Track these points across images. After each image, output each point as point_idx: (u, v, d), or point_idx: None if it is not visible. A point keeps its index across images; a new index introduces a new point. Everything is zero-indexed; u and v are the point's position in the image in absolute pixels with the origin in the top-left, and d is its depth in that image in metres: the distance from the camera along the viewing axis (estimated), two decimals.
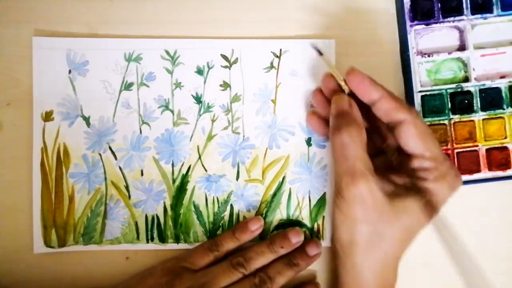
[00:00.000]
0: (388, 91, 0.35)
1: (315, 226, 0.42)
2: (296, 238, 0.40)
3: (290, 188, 0.42)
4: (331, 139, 0.36)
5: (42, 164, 0.41)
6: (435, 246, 0.43)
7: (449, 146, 0.42)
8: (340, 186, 0.35)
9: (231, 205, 0.42)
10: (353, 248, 0.36)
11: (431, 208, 0.35)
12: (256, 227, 0.40)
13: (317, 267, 0.42)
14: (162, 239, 0.41)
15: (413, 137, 0.35)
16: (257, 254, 0.39)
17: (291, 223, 0.42)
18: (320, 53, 0.39)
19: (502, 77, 0.42)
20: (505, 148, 0.42)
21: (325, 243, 0.42)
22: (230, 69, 0.42)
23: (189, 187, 0.42)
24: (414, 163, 0.35)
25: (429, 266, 0.43)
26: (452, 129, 0.42)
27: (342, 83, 0.37)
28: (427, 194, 0.35)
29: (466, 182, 0.42)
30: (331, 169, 0.42)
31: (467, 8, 0.42)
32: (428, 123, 0.42)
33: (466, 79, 0.42)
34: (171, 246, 0.41)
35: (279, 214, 0.42)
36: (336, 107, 0.36)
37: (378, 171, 0.35)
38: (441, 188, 0.35)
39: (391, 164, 0.37)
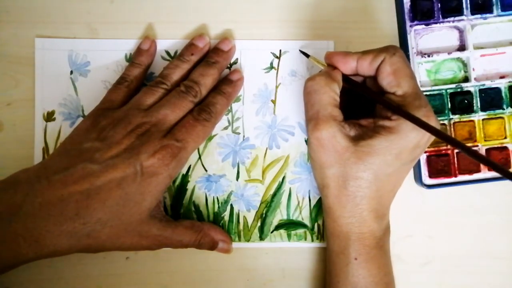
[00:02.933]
0: (362, 52, 0.37)
1: (315, 226, 0.42)
2: (200, 42, 0.41)
3: (290, 188, 0.42)
4: (303, 88, 0.38)
5: None
6: (435, 246, 0.43)
7: (449, 146, 0.42)
8: (307, 132, 0.37)
9: (231, 205, 0.42)
10: (325, 190, 0.37)
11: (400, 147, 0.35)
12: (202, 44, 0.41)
13: (318, 267, 0.42)
14: None
15: (388, 75, 0.36)
16: (171, 69, 0.40)
17: (291, 223, 0.42)
18: (307, 55, 0.40)
19: (502, 77, 0.42)
20: (505, 148, 0.42)
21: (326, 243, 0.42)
22: (230, 69, 0.42)
23: (189, 187, 0.42)
24: (377, 96, 0.37)
25: (429, 266, 0.43)
26: (452, 129, 0.42)
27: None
28: (392, 132, 0.35)
29: (466, 182, 0.42)
30: None
31: (467, 8, 0.42)
32: None
33: (466, 79, 0.42)
34: None
35: (279, 214, 0.42)
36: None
37: (349, 120, 0.37)
38: (406, 126, 0.35)
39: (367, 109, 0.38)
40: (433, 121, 0.35)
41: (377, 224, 0.37)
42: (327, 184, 0.37)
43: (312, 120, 0.36)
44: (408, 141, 0.35)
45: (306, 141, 0.42)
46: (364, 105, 0.39)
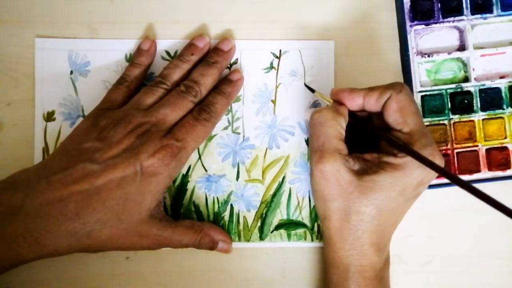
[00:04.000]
0: (367, 88, 0.37)
1: (315, 226, 0.42)
2: (200, 42, 0.41)
3: (290, 188, 0.42)
4: (310, 119, 0.38)
5: None
6: (435, 246, 0.43)
7: (449, 146, 0.42)
8: (311, 164, 0.37)
9: (231, 205, 0.42)
10: (327, 222, 0.37)
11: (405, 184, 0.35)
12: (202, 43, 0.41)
13: (318, 267, 0.42)
14: None
15: (394, 113, 0.36)
16: (171, 69, 0.40)
17: (291, 223, 0.42)
18: (312, 91, 0.41)
19: (502, 77, 0.42)
20: (505, 148, 0.42)
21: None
22: (230, 69, 0.42)
23: (189, 187, 0.42)
24: (384, 133, 0.37)
25: (429, 266, 0.43)
26: (452, 129, 0.42)
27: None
28: (397, 169, 0.35)
29: None
30: None
31: (467, 8, 0.42)
32: (428, 123, 0.42)
33: (466, 79, 0.42)
34: None
35: (279, 214, 0.42)
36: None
37: (354, 153, 0.37)
38: (411, 164, 0.35)
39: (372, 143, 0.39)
40: (438, 160, 0.35)
41: (378, 257, 0.37)
42: (329, 216, 0.37)
43: (317, 152, 0.36)
44: (412, 179, 0.35)
45: (306, 141, 0.42)
46: (368, 138, 0.39)
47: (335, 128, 0.36)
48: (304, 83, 0.42)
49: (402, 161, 0.35)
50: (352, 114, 0.38)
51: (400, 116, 0.36)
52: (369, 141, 0.39)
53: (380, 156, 0.36)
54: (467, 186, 0.33)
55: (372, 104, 0.37)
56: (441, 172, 0.34)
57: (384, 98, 0.36)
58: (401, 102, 0.36)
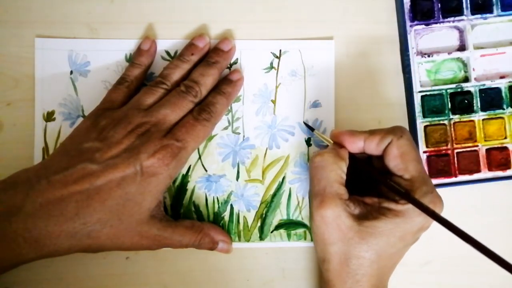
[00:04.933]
0: (368, 131, 0.37)
1: (321, 268, 0.42)
2: (200, 42, 0.41)
3: (290, 188, 0.42)
4: (310, 162, 0.38)
5: None
6: (435, 246, 0.43)
7: (449, 146, 0.42)
8: (311, 207, 0.37)
9: (231, 205, 0.42)
10: (326, 264, 0.37)
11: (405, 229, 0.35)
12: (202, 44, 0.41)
13: (318, 267, 0.42)
14: None
15: (395, 158, 0.36)
16: (171, 69, 0.40)
17: (291, 223, 0.42)
18: (312, 129, 0.41)
19: (502, 77, 0.42)
20: (505, 148, 0.42)
21: None
22: (230, 69, 0.42)
23: (189, 187, 0.42)
24: (385, 179, 0.37)
25: (429, 266, 0.43)
26: (452, 129, 0.42)
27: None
28: (398, 216, 0.35)
29: (466, 182, 0.42)
30: None
31: (467, 8, 0.42)
32: (428, 123, 0.42)
33: (466, 79, 0.42)
34: None
35: (279, 214, 0.42)
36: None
37: (356, 195, 0.37)
38: (413, 211, 0.35)
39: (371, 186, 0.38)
40: (439, 206, 0.36)
41: None
42: (328, 259, 0.36)
43: (317, 196, 0.36)
44: (413, 225, 0.35)
45: (306, 141, 0.42)
46: (368, 179, 0.39)
47: (336, 173, 0.36)
48: (304, 122, 0.42)
49: (403, 208, 0.35)
50: (353, 157, 0.38)
51: (401, 162, 0.36)
52: (369, 181, 0.39)
53: (380, 201, 0.36)
54: (471, 240, 0.34)
55: (373, 148, 0.37)
56: (443, 222, 0.34)
57: (385, 143, 0.36)
58: (402, 148, 0.36)
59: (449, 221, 0.34)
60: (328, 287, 0.37)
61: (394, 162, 0.36)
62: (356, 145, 0.37)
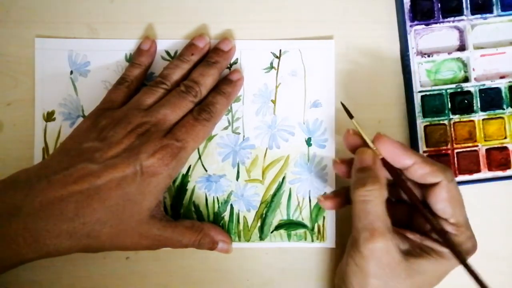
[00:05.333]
0: (421, 156, 0.36)
1: (316, 226, 0.42)
2: (200, 42, 0.41)
3: (290, 188, 0.42)
4: (352, 193, 0.35)
5: None
6: None
7: (449, 146, 0.42)
8: (358, 240, 0.35)
9: (231, 205, 0.42)
10: None
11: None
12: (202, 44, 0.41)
13: (318, 267, 0.42)
14: None
15: (444, 201, 0.35)
16: (171, 69, 0.40)
17: (291, 223, 0.42)
18: (351, 116, 0.38)
19: (502, 77, 0.42)
20: (505, 148, 0.42)
21: (327, 243, 0.42)
22: (230, 69, 0.42)
23: (189, 187, 0.42)
24: (437, 225, 0.36)
25: None
26: (452, 129, 0.42)
27: (374, 149, 0.36)
28: (443, 257, 0.36)
29: (466, 182, 0.42)
30: (331, 169, 0.42)
31: (467, 8, 0.42)
32: (428, 123, 0.42)
33: (466, 79, 0.42)
34: None
35: (279, 214, 0.42)
36: (359, 161, 0.36)
37: (394, 225, 0.36)
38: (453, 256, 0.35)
39: (406, 219, 0.39)
40: (475, 250, 0.37)
41: None
42: None
43: (365, 230, 0.34)
44: (453, 266, 0.36)
45: (306, 141, 0.42)
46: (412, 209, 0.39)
47: (383, 205, 0.35)
48: (341, 102, 0.39)
49: (446, 249, 0.36)
50: (400, 183, 0.36)
51: (450, 207, 0.35)
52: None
53: (422, 238, 0.36)
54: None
55: (419, 175, 0.36)
56: (473, 276, 0.34)
57: (434, 179, 0.35)
58: (451, 192, 0.35)
59: (477, 273, 0.34)
60: None
61: (441, 205, 0.35)
62: (402, 162, 0.36)
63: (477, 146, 0.42)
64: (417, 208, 0.36)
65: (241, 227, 0.42)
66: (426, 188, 0.36)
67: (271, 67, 0.42)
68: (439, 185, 0.35)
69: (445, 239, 0.35)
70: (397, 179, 0.37)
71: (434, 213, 0.36)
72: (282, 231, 0.42)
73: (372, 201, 0.34)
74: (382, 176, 0.35)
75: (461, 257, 0.35)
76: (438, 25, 0.42)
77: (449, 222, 0.36)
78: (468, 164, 0.42)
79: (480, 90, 0.42)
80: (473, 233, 0.37)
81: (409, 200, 0.37)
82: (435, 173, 0.35)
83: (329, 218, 0.42)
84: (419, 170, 0.35)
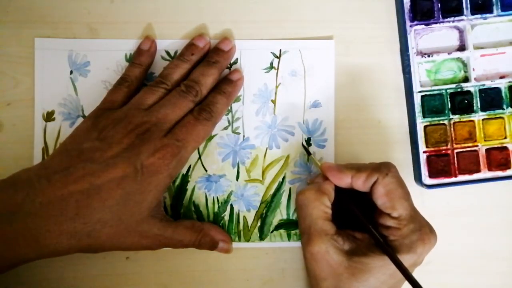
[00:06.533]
0: (357, 167, 0.37)
1: None
2: (200, 42, 0.41)
3: (290, 188, 0.42)
4: (296, 198, 0.38)
5: None
6: (435, 246, 0.43)
7: (449, 146, 0.42)
8: (301, 243, 0.37)
9: (231, 205, 0.42)
10: None
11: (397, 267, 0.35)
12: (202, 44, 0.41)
13: None
14: None
15: (382, 197, 0.36)
16: (171, 69, 0.40)
17: (291, 223, 0.42)
18: (309, 153, 0.42)
19: (502, 77, 0.42)
20: (505, 148, 0.42)
21: None
22: (230, 69, 0.42)
23: (189, 187, 0.42)
24: (378, 219, 0.37)
25: (429, 266, 0.43)
26: (452, 129, 0.42)
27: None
28: (389, 251, 0.35)
29: (466, 182, 0.42)
30: None
31: (467, 8, 0.42)
32: (428, 123, 0.42)
33: (466, 79, 0.42)
34: None
35: (279, 214, 0.42)
36: (311, 179, 0.40)
37: (346, 231, 0.37)
38: (402, 248, 0.35)
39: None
40: (428, 243, 0.36)
41: None
42: None
43: (304, 234, 0.37)
44: (403, 262, 0.35)
45: (306, 141, 0.42)
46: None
47: (319, 209, 0.36)
48: (302, 144, 0.42)
49: (392, 244, 0.36)
50: (339, 192, 0.38)
51: (388, 201, 0.36)
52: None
53: (371, 237, 0.36)
54: None
55: (360, 185, 0.37)
56: (410, 281, 0.33)
57: (371, 181, 0.36)
58: (387, 186, 0.36)
59: (415, 279, 0.33)
60: None
61: (381, 201, 0.36)
62: (343, 181, 0.37)
63: (477, 146, 0.42)
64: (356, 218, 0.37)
65: (241, 227, 0.42)
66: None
67: (271, 67, 0.42)
68: (376, 183, 0.36)
69: (372, 235, 0.36)
70: (343, 200, 0.38)
71: (381, 212, 0.37)
72: (282, 231, 0.42)
73: (308, 205, 0.36)
74: (326, 189, 0.37)
75: (392, 255, 0.34)
76: (438, 25, 0.42)
77: (392, 216, 0.36)
78: (468, 164, 0.42)
79: (480, 90, 0.42)
80: (424, 226, 0.36)
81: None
82: (371, 175, 0.36)
83: None
84: (358, 181, 0.37)
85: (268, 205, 0.42)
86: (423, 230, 0.36)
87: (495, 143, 0.42)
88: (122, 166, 0.35)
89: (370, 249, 0.36)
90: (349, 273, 0.35)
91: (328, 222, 0.36)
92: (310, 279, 0.38)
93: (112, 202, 0.35)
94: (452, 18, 0.42)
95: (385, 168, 0.37)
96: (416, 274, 0.43)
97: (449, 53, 0.42)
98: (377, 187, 0.36)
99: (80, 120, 0.42)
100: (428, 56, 0.42)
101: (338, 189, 0.38)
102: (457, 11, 0.42)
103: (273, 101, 0.42)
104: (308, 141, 0.42)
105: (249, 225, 0.42)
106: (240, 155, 0.42)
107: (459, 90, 0.42)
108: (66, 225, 0.34)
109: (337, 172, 0.37)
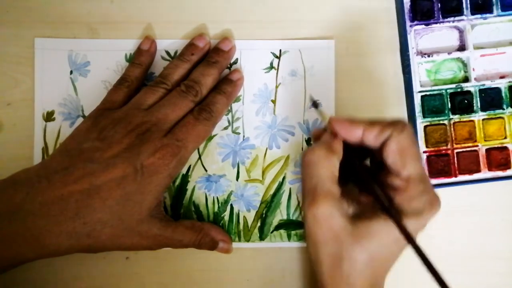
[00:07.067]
0: (369, 122, 0.35)
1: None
2: (200, 42, 0.41)
3: (290, 188, 0.42)
4: (302, 157, 0.36)
5: None
6: (435, 246, 0.43)
7: (449, 146, 0.42)
8: (303, 206, 0.35)
9: (231, 205, 0.42)
10: (318, 267, 0.35)
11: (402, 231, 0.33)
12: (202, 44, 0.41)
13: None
14: None
15: (393, 154, 0.34)
16: (171, 69, 0.40)
17: (291, 223, 0.42)
18: (316, 106, 0.39)
19: (502, 77, 0.42)
20: (505, 148, 0.42)
21: None
22: (230, 69, 0.42)
23: (189, 187, 0.42)
24: (386, 178, 0.35)
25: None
26: (452, 129, 0.42)
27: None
28: (394, 215, 0.34)
29: (466, 182, 0.42)
30: None
31: (467, 8, 0.42)
32: (428, 123, 0.42)
33: (466, 79, 0.42)
34: None
35: (279, 214, 0.42)
36: (316, 132, 0.38)
37: (351, 194, 0.36)
38: (409, 212, 0.34)
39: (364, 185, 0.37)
40: (436, 207, 0.34)
41: None
42: (321, 261, 0.35)
43: (309, 195, 0.34)
44: (407, 227, 0.33)
45: (306, 141, 0.42)
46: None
47: (328, 169, 0.34)
48: (310, 97, 0.42)
49: (398, 207, 0.34)
50: (346, 151, 0.36)
51: (400, 159, 0.34)
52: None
53: (376, 200, 0.35)
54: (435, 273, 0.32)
55: (371, 139, 0.35)
56: (415, 247, 0.32)
57: (384, 136, 0.34)
58: (401, 144, 0.34)
59: (420, 247, 0.32)
60: None
61: (392, 158, 0.34)
62: (353, 135, 0.35)
63: (477, 146, 0.42)
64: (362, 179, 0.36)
65: (241, 227, 0.42)
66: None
67: (271, 67, 0.42)
68: (389, 138, 0.34)
69: (376, 197, 0.34)
70: (349, 157, 0.36)
71: (390, 171, 0.35)
72: (282, 231, 0.42)
73: (317, 163, 0.34)
74: (335, 147, 0.35)
75: (395, 217, 0.33)
76: (438, 25, 0.42)
77: (401, 176, 0.34)
78: (468, 164, 0.42)
79: (480, 90, 0.42)
80: (432, 189, 0.35)
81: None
82: (385, 129, 0.34)
83: None
84: (370, 135, 0.35)
85: (268, 205, 0.42)
86: (431, 193, 0.34)
87: (495, 143, 0.42)
88: (122, 166, 0.35)
89: (375, 213, 0.34)
90: (352, 239, 0.34)
91: (336, 185, 0.34)
92: (309, 245, 0.36)
93: (112, 202, 0.35)
94: (452, 18, 0.42)
95: (400, 124, 0.34)
96: (416, 274, 0.43)
97: (449, 53, 0.42)
98: (390, 144, 0.34)
99: (80, 120, 0.42)
100: (428, 56, 0.42)
101: (345, 152, 0.36)
102: (457, 11, 0.42)
103: (273, 101, 0.42)
104: (308, 141, 0.42)
105: (249, 225, 0.42)
106: (240, 155, 0.42)
107: (459, 90, 0.42)
108: (66, 225, 0.34)
109: (348, 125, 0.35)
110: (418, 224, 0.34)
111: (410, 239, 0.32)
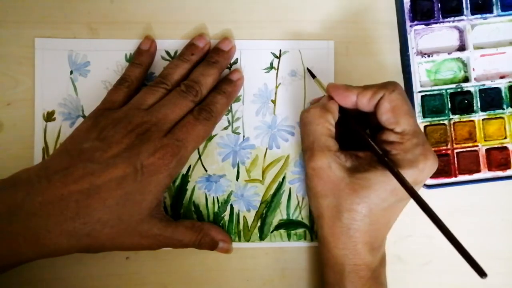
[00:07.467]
0: (363, 86, 0.37)
1: (316, 226, 0.42)
2: (200, 42, 0.41)
3: (290, 188, 0.42)
4: (300, 117, 0.38)
5: None
6: (435, 246, 0.43)
7: (449, 146, 0.42)
8: (304, 163, 0.37)
9: (231, 205, 0.42)
10: (320, 220, 0.37)
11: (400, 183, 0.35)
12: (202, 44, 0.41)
13: (318, 267, 0.42)
14: None
15: (387, 112, 0.36)
16: (171, 69, 0.40)
17: (291, 223, 0.42)
18: (313, 76, 0.41)
19: (502, 77, 0.42)
20: (505, 148, 0.42)
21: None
22: (230, 69, 0.42)
23: (189, 187, 0.42)
24: (381, 136, 0.37)
25: (429, 266, 0.43)
26: (452, 129, 0.42)
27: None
28: (389, 163, 0.35)
29: (466, 182, 0.42)
30: None
31: (467, 8, 0.42)
32: (428, 123, 0.42)
33: (466, 79, 0.42)
34: None
35: (279, 214, 0.42)
36: (315, 100, 0.40)
37: (347, 150, 0.37)
38: (405, 163, 0.35)
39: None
40: (431, 160, 0.35)
41: (372, 256, 0.37)
42: (322, 214, 0.37)
43: (308, 150, 0.37)
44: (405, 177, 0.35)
45: None
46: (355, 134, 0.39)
47: (323, 126, 0.36)
48: (307, 67, 0.42)
49: (394, 159, 0.35)
50: (342, 111, 0.38)
51: (393, 116, 0.36)
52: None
53: (373, 154, 0.36)
54: (441, 225, 0.34)
55: (365, 103, 0.37)
56: (411, 192, 0.34)
57: (377, 97, 0.36)
58: (393, 102, 0.36)
59: (418, 195, 0.33)
60: (323, 244, 0.38)
61: (385, 116, 0.36)
62: (348, 100, 0.37)
63: (477, 146, 0.42)
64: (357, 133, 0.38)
65: (241, 227, 0.42)
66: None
67: (271, 67, 0.42)
68: (382, 99, 0.36)
69: (370, 146, 0.36)
70: (346, 117, 0.38)
71: (385, 129, 0.36)
72: (282, 231, 0.42)
73: (312, 121, 0.37)
74: (330, 108, 0.37)
75: (390, 166, 0.35)
76: (438, 25, 0.42)
77: (395, 131, 0.36)
78: (468, 164, 0.42)
79: (480, 90, 0.42)
80: (426, 142, 0.36)
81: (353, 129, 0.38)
82: (377, 91, 0.36)
83: None
84: (364, 99, 0.37)
85: (268, 205, 0.42)
86: (426, 145, 0.36)
87: (495, 143, 0.42)
88: (122, 166, 0.35)
89: (372, 165, 0.36)
90: (350, 189, 0.35)
91: (332, 139, 0.37)
92: (310, 198, 0.38)
93: (112, 202, 0.35)
94: (452, 18, 0.42)
95: (391, 85, 0.36)
96: (416, 274, 0.43)
97: (449, 53, 0.42)
98: (383, 103, 0.36)
99: (80, 120, 0.42)
100: (428, 56, 0.42)
101: (341, 113, 0.38)
102: (457, 11, 0.42)
103: (273, 101, 0.42)
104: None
105: (249, 225, 0.42)
106: (240, 155, 0.42)
107: (459, 90, 0.42)
108: (66, 225, 0.34)
109: (343, 90, 0.37)
110: (416, 175, 0.35)
111: (405, 186, 0.34)
